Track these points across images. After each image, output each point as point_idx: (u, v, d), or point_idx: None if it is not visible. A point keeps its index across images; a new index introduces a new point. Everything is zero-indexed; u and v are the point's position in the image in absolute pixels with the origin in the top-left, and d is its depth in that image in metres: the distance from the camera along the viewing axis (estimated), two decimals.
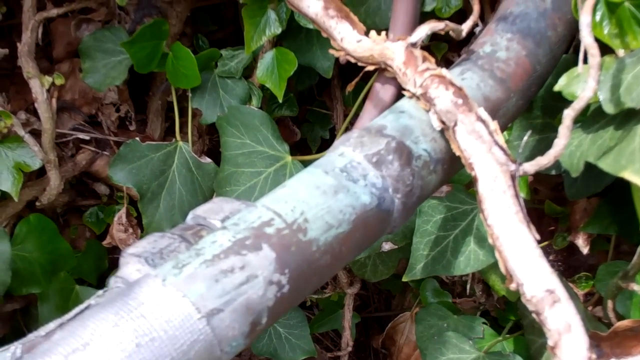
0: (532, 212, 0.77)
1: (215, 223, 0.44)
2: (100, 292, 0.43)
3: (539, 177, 0.75)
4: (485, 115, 0.46)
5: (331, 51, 0.55)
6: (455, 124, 0.46)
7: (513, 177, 0.44)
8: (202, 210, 0.45)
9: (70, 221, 0.98)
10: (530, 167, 0.44)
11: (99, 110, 0.90)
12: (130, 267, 0.42)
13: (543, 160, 0.44)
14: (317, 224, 0.41)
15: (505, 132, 0.74)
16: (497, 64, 0.52)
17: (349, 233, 0.42)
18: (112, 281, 0.42)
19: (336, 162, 0.45)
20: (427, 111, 0.47)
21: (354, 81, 0.58)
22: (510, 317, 0.87)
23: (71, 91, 0.89)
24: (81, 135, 0.87)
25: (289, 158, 0.76)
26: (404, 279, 0.70)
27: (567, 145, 0.44)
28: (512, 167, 0.44)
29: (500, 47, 0.53)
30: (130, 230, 0.84)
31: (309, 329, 1.04)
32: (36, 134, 0.81)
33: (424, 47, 0.52)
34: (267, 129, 0.75)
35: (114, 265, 0.94)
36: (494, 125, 0.46)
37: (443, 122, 0.46)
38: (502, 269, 0.43)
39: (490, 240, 0.44)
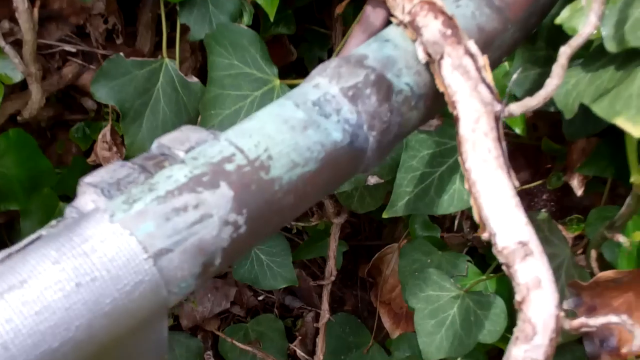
0: (529, 149, 0.74)
1: (179, 153, 0.41)
2: (54, 221, 0.41)
3: (539, 113, 0.72)
4: (474, 48, 0.42)
5: None
6: (442, 57, 0.42)
7: (497, 119, 0.41)
8: (167, 139, 0.42)
9: (58, 136, 0.96)
10: (517, 108, 0.41)
11: (87, 21, 0.86)
12: (86, 197, 0.39)
13: (531, 101, 0.41)
14: (281, 161, 0.38)
15: (506, 62, 0.70)
16: None
17: (316, 172, 0.39)
18: (68, 211, 0.40)
19: (309, 93, 0.41)
20: (414, 41, 0.44)
21: (343, 2, 0.55)
22: None
23: (59, 0, 0.85)
24: (67, 47, 0.83)
25: (277, 82, 0.73)
26: (384, 215, 0.67)
27: (561, 85, 0.41)
28: (498, 107, 0.41)
29: None
30: (115, 149, 0.82)
31: (295, 256, 1.02)
32: (19, 45, 0.77)
33: None
34: (256, 50, 0.72)
35: None
36: (483, 60, 0.42)
37: (429, 55, 0.43)
38: (476, 217, 0.40)
39: (466, 186, 0.41)
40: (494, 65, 0.48)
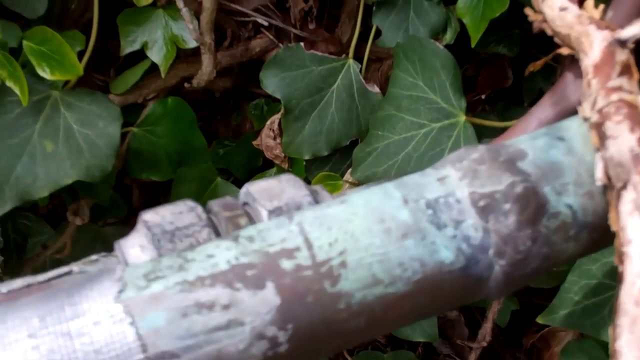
0: None
1: (262, 211, 0.34)
2: (94, 256, 0.35)
3: None
4: None
5: (527, 10, 0.40)
6: (624, 187, 0.30)
7: None
8: (257, 187, 0.35)
9: (241, 105, 0.92)
10: None
11: None
12: (135, 239, 0.33)
13: None
14: (357, 273, 0.29)
15: None
16: None
17: (405, 296, 0.30)
18: (115, 246, 0.34)
19: (428, 188, 0.31)
20: (597, 151, 0.32)
21: (540, 61, 0.43)
22: None
23: None
24: (260, 19, 0.78)
25: (462, 117, 0.62)
26: (539, 320, 0.55)
27: None
28: None
29: None
30: (279, 139, 0.76)
31: None
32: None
33: None
34: (447, 75, 0.61)
35: (268, 165, 0.87)
36: None
37: (609, 177, 0.31)
38: None
39: None
40: None
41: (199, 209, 0.33)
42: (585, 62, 0.34)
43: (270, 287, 0.28)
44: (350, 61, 0.70)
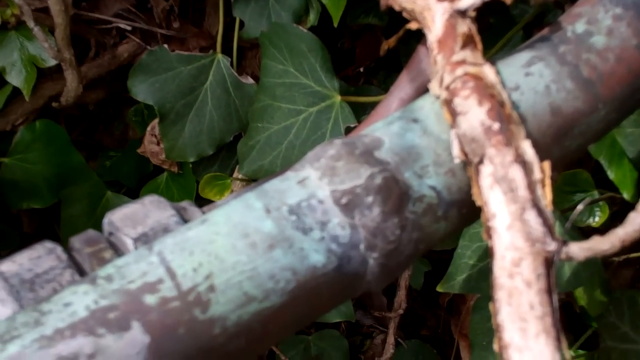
0: None
1: (127, 240, 0.32)
2: None
3: None
4: (530, 152, 0.30)
5: None
6: (481, 161, 0.30)
7: (549, 263, 0.29)
8: (119, 215, 0.33)
9: (123, 112, 0.88)
10: (580, 251, 0.29)
11: None
12: None
13: (602, 243, 0.29)
14: (227, 295, 0.28)
15: None
16: (588, 55, 0.35)
17: (282, 308, 0.29)
18: None
19: (289, 193, 0.31)
20: (451, 128, 0.32)
21: (392, 38, 0.43)
22: (592, 324, 0.70)
23: None
24: (122, 24, 0.75)
25: (337, 98, 0.61)
26: (438, 289, 0.56)
27: None
28: (551, 246, 0.29)
29: (600, 28, 0.35)
30: (162, 145, 0.74)
31: None
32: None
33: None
34: (316, 58, 0.61)
35: (159, 170, 0.84)
36: (540, 171, 0.30)
37: (465, 154, 0.31)
38: None
39: (495, 347, 0.29)
40: (568, 158, 0.35)
41: (59, 249, 0.32)
42: (429, 37, 0.34)
43: (136, 326, 0.27)
44: (219, 56, 0.68)
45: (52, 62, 0.69)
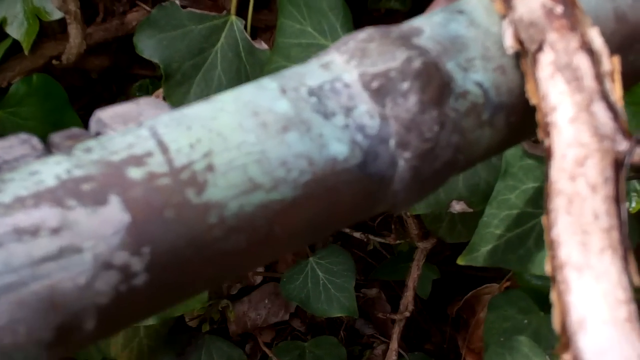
0: None
1: None
2: None
3: None
4: (598, 42, 0.25)
5: None
6: (540, 48, 0.25)
7: (618, 165, 0.24)
8: (110, 113, 0.28)
9: (127, 89, 0.84)
10: None
11: None
12: None
13: None
14: (229, 177, 0.23)
15: None
16: None
17: (294, 203, 0.24)
18: None
19: (310, 75, 0.26)
20: (503, 19, 0.27)
21: None
22: None
23: None
24: None
25: None
26: (459, 261, 0.51)
27: None
28: (622, 145, 0.24)
29: None
30: None
31: (375, 274, 0.85)
32: None
33: None
34: (337, 17, 0.56)
35: None
36: (610, 63, 0.25)
37: (521, 43, 0.26)
38: (556, 326, 0.24)
39: (547, 268, 0.24)
40: (632, 77, 0.31)
41: (34, 140, 0.27)
42: None
43: (114, 202, 0.22)
44: (233, 17, 0.64)
45: (56, 15, 0.64)
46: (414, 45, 0.26)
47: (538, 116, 0.25)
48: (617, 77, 0.25)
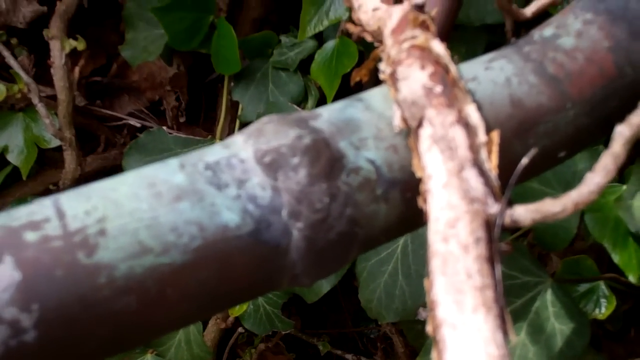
0: None
1: None
2: None
3: None
4: (475, 116, 0.27)
5: (348, 25, 0.39)
6: (420, 124, 0.27)
7: (489, 226, 0.25)
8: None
9: None
10: (527, 213, 0.25)
11: (164, 97, 0.78)
12: None
13: (553, 206, 0.25)
14: (120, 241, 0.25)
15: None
16: (555, 54, 0.32)
17: (184, 268, 0.25)
18: None
19: (210, 153, 0.28)
20: (395, 102, 0.29)
21: (362, 67, 0.41)
22: None
23: (139, 72, 0.79)
24: (132, 122, 0.76)
25: None
26: None
27: (604, 186, 0.25)
28: (493, 208, 0.25)
29: (569, 30, 0.33)
30: None
31: None
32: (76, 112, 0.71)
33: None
34: None
35: None
36: (485, 135, 0.27)
37: (406, 121, 0.28)
38: None
39: (428, 329, 0.25)
40: (546, 163, 0.32)
41: None
42: (384, 33, 0.33)
43: (8, 261, 0.23)
44: (218, 142, 0.67)
45: (54, 143, 0.69)
46: (308, 125, 0.28)
47: (420, 187, 0.27)
48: (495, 148, 0.27)
